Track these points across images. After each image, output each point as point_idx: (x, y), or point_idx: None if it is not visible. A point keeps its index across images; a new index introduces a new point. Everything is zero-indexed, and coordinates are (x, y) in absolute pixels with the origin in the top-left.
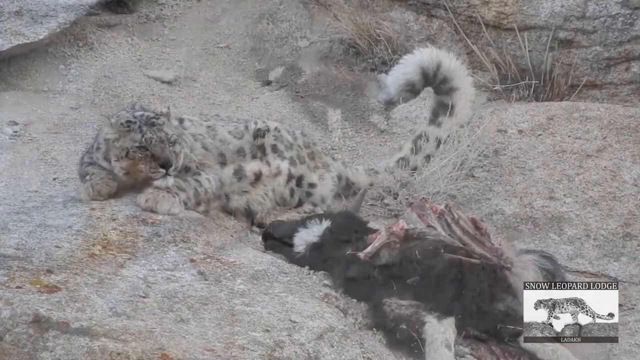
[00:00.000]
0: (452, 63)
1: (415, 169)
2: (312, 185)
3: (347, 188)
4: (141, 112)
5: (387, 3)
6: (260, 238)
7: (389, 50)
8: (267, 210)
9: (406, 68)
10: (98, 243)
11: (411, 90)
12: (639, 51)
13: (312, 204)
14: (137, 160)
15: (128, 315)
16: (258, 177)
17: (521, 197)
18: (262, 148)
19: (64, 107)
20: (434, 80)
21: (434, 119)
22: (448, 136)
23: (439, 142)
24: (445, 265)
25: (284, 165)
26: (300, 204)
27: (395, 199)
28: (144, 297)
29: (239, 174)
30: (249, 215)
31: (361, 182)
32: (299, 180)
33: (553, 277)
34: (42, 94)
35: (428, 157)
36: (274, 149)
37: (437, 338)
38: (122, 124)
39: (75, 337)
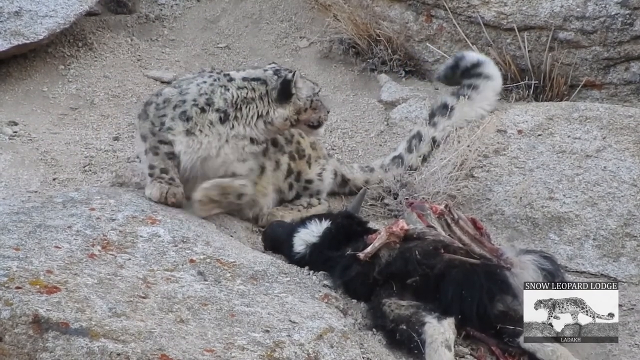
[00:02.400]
0: (496, 84)
1: (410, 167)
2: (309, 181)
3: (342, 185)
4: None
5: (387, 3)
6: (260, 238)
7: (389, 51)
8: (268, 204)
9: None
10: (98, 243)
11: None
12: (638, 51)
13: (309, 196)
14: (318, 107)
15: (128, 316)
16: (263, 170)
17: (521, 198)
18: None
19: (63, 108)
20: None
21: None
22: (446, 137)
23: (434, 142)
24: (445, 266)
25: (284, 160)
26: (297, 197)
27: (395, 199)
28: (143, 298)
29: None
30: (252, 207)
31: (357, 179)
32: (298, 175)
33: (553, 278)
34: (41, 94)
35: (423, 157)
36: (274, 142)
37: (437, 338)
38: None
39: (74, 337)
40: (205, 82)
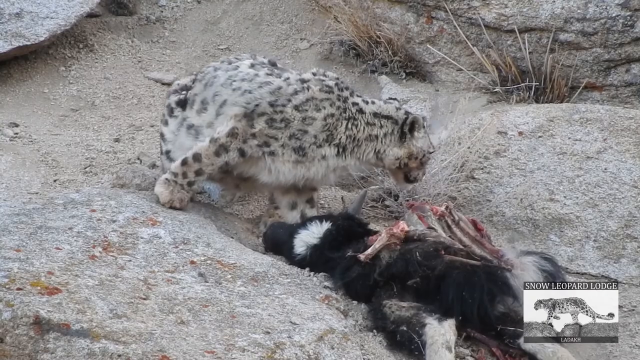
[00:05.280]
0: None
1: None
2: None
3: None
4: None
5: (388, 5)
6: (260, 240)
7: (389, 52)
8: None
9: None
10: (98, 245)
11: None
12: (639, 53)
13: None
14: (423, 165)
15: (128, 317)
16: None
17: (521, 199)
18: None
19: (64, 109)
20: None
21: None
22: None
23: None
24: (446, 267)
25: None
26: None
27: (396, 200)
28: (144, 299)
29: None
30: None
31: None
32: None
33: (553, 279)
34: (42, 95)
35: None
36: None
37: (437, 340)
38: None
39: (75, 338)
40: (332, 114)
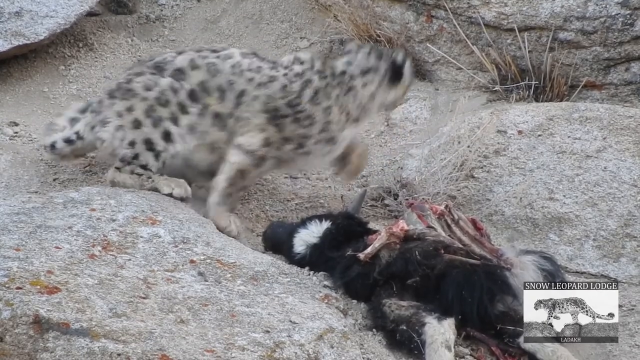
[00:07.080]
0: None
1: None
2: None
3: None
4: None
5: (387, 3)
6: (260, 239)
7: None
8: None
9: None
10: (98, 244)
11: None
12: (639, 51)
13: None
14: None
15: (128, 316)
16: None
17: (521, 198)
18: None
19: (64, 108)
20: None
21: None
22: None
23: None
24: (445, 266)
25: None
26: None
27: (395, 199)
28: (144, 298)
29: None
30: None
31: None
32: None
33: (553, 278)
34: (42, 94)
35: None
36: None
37: (437, 339)
38: None
39: (75, 338)
40: (338, 95)
